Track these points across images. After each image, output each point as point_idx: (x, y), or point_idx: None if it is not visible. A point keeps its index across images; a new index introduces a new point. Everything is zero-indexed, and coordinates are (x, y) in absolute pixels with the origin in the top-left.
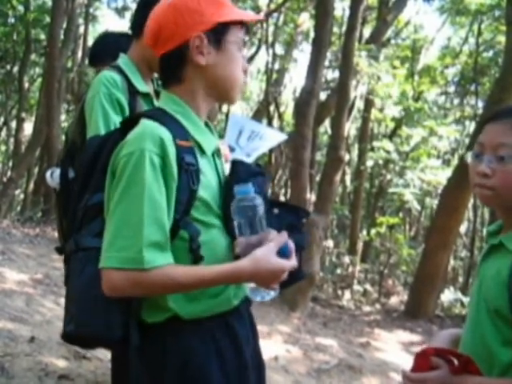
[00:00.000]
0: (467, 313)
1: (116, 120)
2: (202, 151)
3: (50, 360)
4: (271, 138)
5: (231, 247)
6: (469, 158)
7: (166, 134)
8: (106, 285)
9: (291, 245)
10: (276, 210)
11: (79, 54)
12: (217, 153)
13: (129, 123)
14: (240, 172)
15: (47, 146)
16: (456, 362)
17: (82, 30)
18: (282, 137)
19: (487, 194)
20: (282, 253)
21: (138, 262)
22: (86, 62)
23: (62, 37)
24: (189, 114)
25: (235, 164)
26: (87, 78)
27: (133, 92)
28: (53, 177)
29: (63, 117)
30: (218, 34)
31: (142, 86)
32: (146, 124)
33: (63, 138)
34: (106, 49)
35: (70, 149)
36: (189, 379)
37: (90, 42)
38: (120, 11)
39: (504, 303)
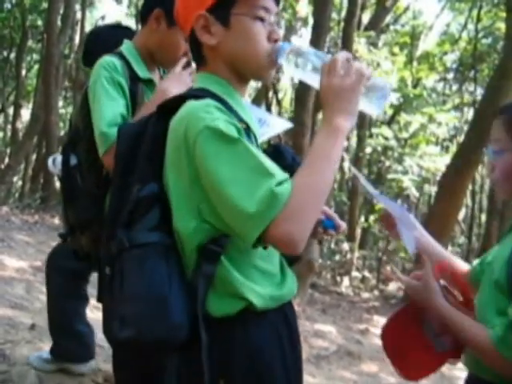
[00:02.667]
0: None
1: (121, 102)
2: (252, 133)
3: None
4: (278, 125)
5: None
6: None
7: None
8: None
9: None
10: None
11: (77, 40)
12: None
13: (168, 106)
14: (287, 158)
15: (45, 133)
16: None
17: (79, 15)
18: (287, 124)
19: (497, 189)
20: (328, 224)
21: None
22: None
23: (59, 23)
24: (233, 95)
25: (280, 149)
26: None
27: (133, 78)
28: (55, 164)
29: (61, 103)
30: (223, 8)
31: (144, 73)
32: (203, 103)
33: (61, 124)
34: (99, 45)
35: (72, 135)
36: (254, 375)
37: (88, 28)
38: None
39: (503, 275)
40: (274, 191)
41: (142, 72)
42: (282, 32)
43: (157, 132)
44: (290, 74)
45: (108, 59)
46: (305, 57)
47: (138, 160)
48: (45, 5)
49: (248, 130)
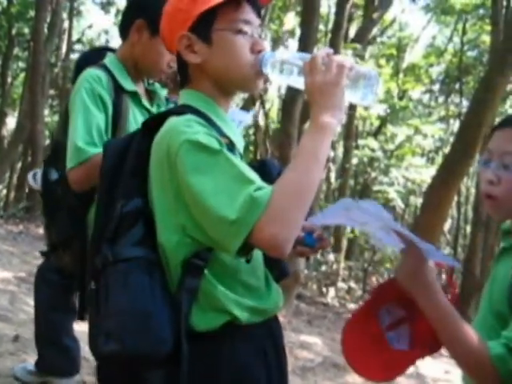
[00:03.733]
0: (479, 308)
1: (98, 116)
2: (235, 148)
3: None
4: (245, 121)
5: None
6: (477, 164)
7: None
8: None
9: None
10: None
11: (63, 48)
12: (244, 152)
13: (151, 123)
14: (273, 174)
15: (31, 142)
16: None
17: (66, 24)
18: (248, 116)
19: (493, 205)
20: (309, 241)
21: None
22: (71, 56)
23: (46, 31)
24: (217, 110)
25: (267, 164)
26: (72, 73)
27: (118, 90)
28: (35, 178)
29: (47, 112)
30: (204, 26)
31: (129, 85)
32: (184, 118)
33: (47, 133)
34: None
35: (54, 149)
36: None
37: (75, 36)
38: (105, 6)
39: (505, 306)
40: (253, 196)
41: (126, 84)
42: (266, 43)
43: (141, 148)
44: (277, 82)
45: (92, 71)
46: (290, 62)
47: (123, 176)
48: (32, 13)
49: (231, 145)
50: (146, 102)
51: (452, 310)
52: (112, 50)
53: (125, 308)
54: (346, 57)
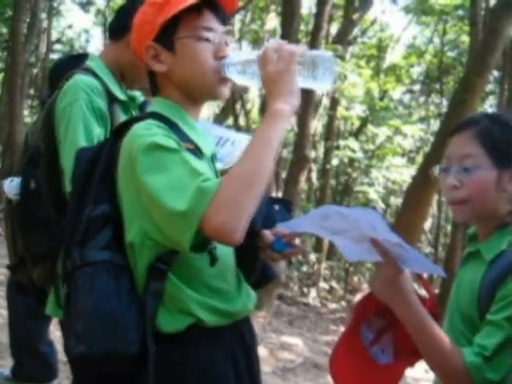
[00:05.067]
0: (447, 310)
1: (98, 132)
2: (202, 154)
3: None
4: (241, 140)
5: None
6: (436, 172)
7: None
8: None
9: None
10: (277, 207)
11: (43, 48)
12: (214, 157)
13: (122, 130)
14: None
15: (9, 143)
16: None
17: (45, 24)
18: (249, 138)
19: (459, 209)
20: (278, 246)
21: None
22: (50, 56)
23: (25, 31)
24: (184, 117)
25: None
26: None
27: (111, 99)
28: (11, 186)
29: (26, 112)
30: (167, 35)
31: (120, 93)
32: (145, 122)
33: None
34: (62, 76)
35: (32, 156)
36: None
37: (54, 36)
38: (84, 5)
39: (474, 311)
40: (201, 186)
41: (118, 92)
42: (230, 49)
43: (110, 155)
44: (243, 84)
45: (86, 79)
46: (249, 61)
47: (93, 182)
48: (10, 12)
49: (197, 151)
50: (133, 111)
51: (428, 319)
52: (84, 56)
53: (91, 311)
54: (298, 45)
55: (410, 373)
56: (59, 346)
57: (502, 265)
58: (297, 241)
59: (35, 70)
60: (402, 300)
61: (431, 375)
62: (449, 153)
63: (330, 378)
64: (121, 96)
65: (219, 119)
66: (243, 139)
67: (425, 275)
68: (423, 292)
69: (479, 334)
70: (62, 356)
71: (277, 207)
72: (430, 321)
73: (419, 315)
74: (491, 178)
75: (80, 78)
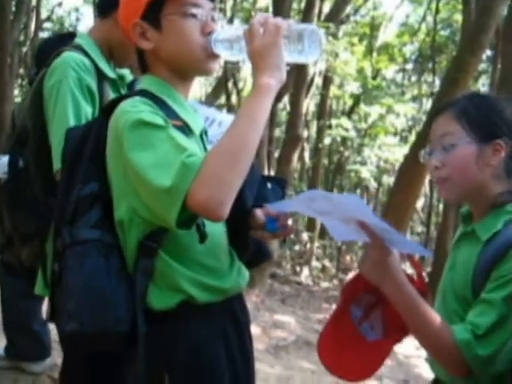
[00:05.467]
0: (439, 289)
1: (87, 110)
2: (191, 131)
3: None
4: (228, 122)
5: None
6: (421, 155)
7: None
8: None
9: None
10: (269, 185)
11: (32, 27)
12: (204, 133)
13: (110, 108)
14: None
15: (0, 123)
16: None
17: (34, 2)
18: (228, 117)
19: (444, 187)
20: (270, 226)
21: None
22: (40, 35)
23: (13, 9)
24: (173, 94)
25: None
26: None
27: (100, 77)
28: None
29: (16, 92)
30: (153, 13)
31: (109, 71)
32: (132, 99)
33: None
34: (51, 52)
35: (20, 135)
36: (198, 370)
37: (44, 14)
38: None
39: (468, 291)
40: (185, 162)
41: (107, 70)
42: (218, 25)
43: (99, 133)
44: (231, 59)
45: (75, 57)
46: (236, 37)
47: (82, 161)
48: None
49: (186, 128)
50: (122, 90)
51: (417, 299)
52: (71, 36)
53: (82, 289)
54: (281, 18)
55: (400, 350)
56: (52, 324)
57: (497, 245)
58: (289, 221)
59: (24, 49)
60: (391, 280)
61: (422, 352)
62: (431, 136)
63: None
64: (110, 74)
65: (211, 98)
66: (230, 120)
67: (416, 256)
68: (412, 271)
69: (472, 312)
70: (54, 334)
71: (269, 185)
72: (419, 300)
73: (408, 295)
74: (470, 153)
75: (69, 56)
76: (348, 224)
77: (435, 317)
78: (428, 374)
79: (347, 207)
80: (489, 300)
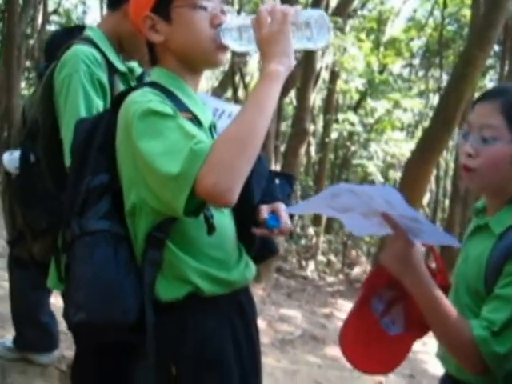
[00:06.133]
0: (452, 282)
1: (98, 104)
2: (200, 124)
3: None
4: (223, 107)
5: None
6: (457, 135)
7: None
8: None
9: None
10: (277, 181)
11: (39, 19)
12: (213, 127)
13: (120, 100)
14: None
15: (6, 115)
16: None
17: None
18: (234, 107)
19: (470, 176)
20: (271, 223)
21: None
22: (47, 28)
23: (20, 2)
24: (182, 86)
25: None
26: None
27: (111, 70)
28: (11, 159)
29: (23, 84)
30: (164, 5)
31: (120, 64)
32: (141, 90)
33: None
34: (61, 46)
35: (30, 129)
36: (205, 362)
37: (51, 7)
38: None
39: (481, 284)
40: (193, 148)
41: (118, 63)
42: (227, 17)
43: (109, 125)
44: (240, 50)
45: (86, 50)
46: (245, 26)
47: (92, 152)
48: None
49: (194, 120)
50: (132, 83)
51: (437, 293)
52: (81, 29)
53: (90, 279)
54: (288, 6)
55: None
56: (60, 317)
57: (511, 239)
58: (287, 220)
59: (31, 42)
60: (412, 273)
61: (429, 348)
62: (471, 119)
63: (327, 350)
64: (121, 67)
65: (218, 92)
66: (234, 109)
67: (437, 249)
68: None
69: (487, 308)
70: (63, 327)
71: (277, 181)
72: (439, 294)
73: (428, 289)
74: (507, 152)
75: (79, 49)
76: (370, 217)
77: (454, 312)
78: (434, 370)
79: (375, 199)
80: (503, 296)
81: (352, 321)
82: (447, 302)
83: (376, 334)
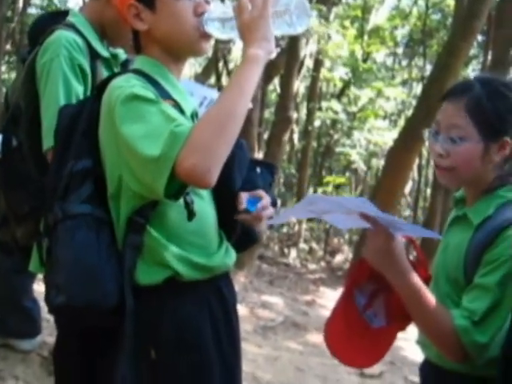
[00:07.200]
0: (432, 272)
1: (78, 89)
2: (182, 111)
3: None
4: (203, 92)
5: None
6: (426, 134)
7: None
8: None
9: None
10: (258, 169)
11: (20, 2)
12: (195, 115)
13: (103, 87)
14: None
15: None
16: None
17: None
18: (213, 93)
19: (444, 175)
20: (249, 205)
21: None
22: (28, 11)
23: None
24: (166, 74)
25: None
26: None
27: (93, 56)
28: None
29: (4, 68)
30: None
31: (103, 50)
32: (125, 76)
33: (4, 90)
34: (44, 30)
35: (13, 113)
36: (184, 345)
37: None
38: None
39: (461, 274)
40: (174, 131)
41: (100, 49)
42: (210, 5)
43: (92, 110)
44: (223, 38)
45: (68, 35)
46: (228, 15)
47: (75, 138)
48: None
49: (176, 108)
50: (116, 69)
51: (418, 285)
52: (64, 14)
53: (71, 262)
54: None
55: None
56: (43, 303)
57: (489, 229)
58: (267, 205)
59: (12, 25)
60: (393, 266)
61: (408, 335)
62: (439, 118)
63: (309, 337)
64: (103, 53)
65: (201, 79)
66: (212, 94)
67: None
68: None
69: (467, 297)
70: (45, 313)
71: (258, 170)
72: (420, 286)
73: (410, 280)
74: (477, 151)
75: (61, 34)
76: (350, 215)
77: (435, 303)
78: (414, 356)
79: (348, 205)
80: (482, 285)
81: (336, 315)
82: (428, 293)
83: (359, 327)
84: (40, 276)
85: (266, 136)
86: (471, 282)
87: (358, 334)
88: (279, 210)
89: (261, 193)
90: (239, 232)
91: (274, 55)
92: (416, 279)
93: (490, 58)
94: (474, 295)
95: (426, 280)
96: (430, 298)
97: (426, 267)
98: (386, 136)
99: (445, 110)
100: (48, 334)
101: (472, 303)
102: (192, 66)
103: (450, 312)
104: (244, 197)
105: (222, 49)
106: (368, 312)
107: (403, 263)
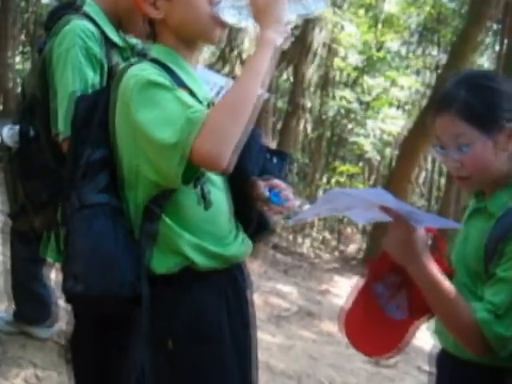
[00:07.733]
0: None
1: (94, 79)
2: (197, 100)
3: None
4: (216, 80)
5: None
6: (433, 153)
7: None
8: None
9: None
10: (274, 159)
11: None
12: (212, 104)
13: (120, 75)
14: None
15: (1, 89)
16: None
17: None
18: (227, 81)
19: (465, 184)
20: (274, 199)
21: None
22: (42, 1)
23: None
24: (181, 63)
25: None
26: (43, 18)
27: (108, 45)
28: (11, 134)
29: (18, 58)
30: None
31: (118, 39)
32: (140, 64)
33: (19, 81)
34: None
35: (29, 104)
36: (199, 335)
37: None
38: None
39: (481, 265)
40: (189, 117)
41: (115, 38)
42: None
43: (109, 100)
44: (239, 26)
45: (82, 25)
46: (243, 2)
47: (92, 127)
48: None
49: (192, 95)
50: (131, 58)
51: (439, 278)
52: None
53: (89, 251)
54: None
55: None
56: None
57: (509, 221)
58: (291, 195)
59: (26, 16)
60: (414, 259)
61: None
62: (438, 134)
63: (323, 326)
64: (118, 42)
65: (214, 68)
66: (225, 83)
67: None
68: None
69: (489, 290)
70: (63, 302)
71: (275, 160)
72: (441, 279)
73: (431, 274)
74: (487, 150)
75: (77, 24)
76: (372, 209)
77: (456, 296)
78: (428, 346)
79: (368, 197)
80: (506, 278)
81: (357, 304)
82: (449, 286)
83: (379, 319)
84: (57, 265)
85: (279, 126)
86: (491, 273)
87: (376, 324)
88: (301, 205)
89: (279, 182)
90: (255, 223)
91: (288, 41)
92: (436, 272)
93: (505, 46)
94: (497, 288)
95: (449, 273)
96: (452, 291)
97: (449, 260)
98: (400, 125)
99: (440, 124)
100: (66, 322)
101: (495, 297)
102: (205, 54)
103: (471, 305)
104: (261, 185)
105: (236, 38)
106: (390, 304)
107: (424, 256)
